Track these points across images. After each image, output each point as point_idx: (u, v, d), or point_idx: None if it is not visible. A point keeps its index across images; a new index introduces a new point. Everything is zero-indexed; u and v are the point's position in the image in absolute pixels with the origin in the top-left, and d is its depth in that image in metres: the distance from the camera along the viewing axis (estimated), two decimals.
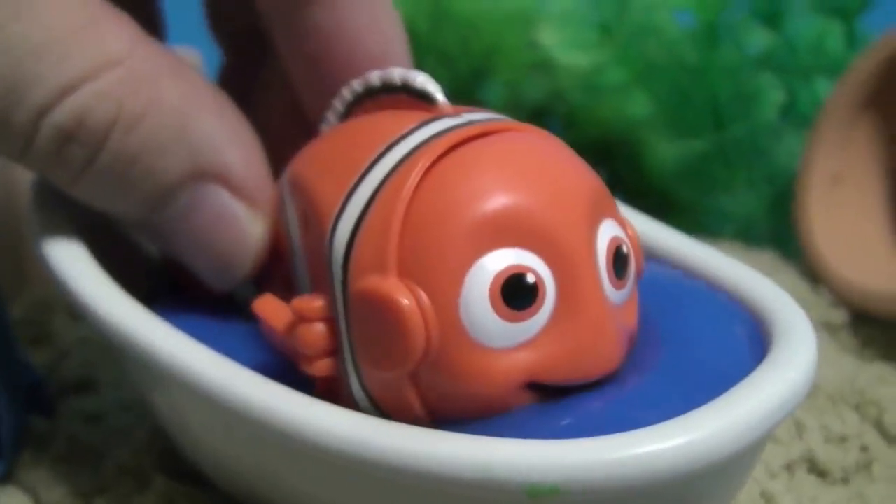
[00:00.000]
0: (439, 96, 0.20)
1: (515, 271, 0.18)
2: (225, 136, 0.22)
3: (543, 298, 0.18)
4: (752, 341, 0.20)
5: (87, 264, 0.23)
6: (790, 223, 0.35)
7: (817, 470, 0.25)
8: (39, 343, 0.33)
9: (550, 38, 0.39)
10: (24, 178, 0.35)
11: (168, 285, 0.26)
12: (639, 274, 0.21)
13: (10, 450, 0.27)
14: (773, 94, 0.37)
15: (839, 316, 0.31)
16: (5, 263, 0.34)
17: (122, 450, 0.26)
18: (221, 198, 0.22)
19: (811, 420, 0.26)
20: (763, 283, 0.22)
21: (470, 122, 0.20)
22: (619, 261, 0.19)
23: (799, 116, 0.38)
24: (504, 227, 0.18)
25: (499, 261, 0.18)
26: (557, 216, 0.18)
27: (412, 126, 0.20)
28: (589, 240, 0.19)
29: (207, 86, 0.23)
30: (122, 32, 0.22)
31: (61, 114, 0.21)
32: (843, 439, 0.26)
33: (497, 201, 0.18)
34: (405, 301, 0.18)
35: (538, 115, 0.40)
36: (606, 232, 0.19)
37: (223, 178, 0.22)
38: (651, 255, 0.23)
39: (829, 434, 0.26)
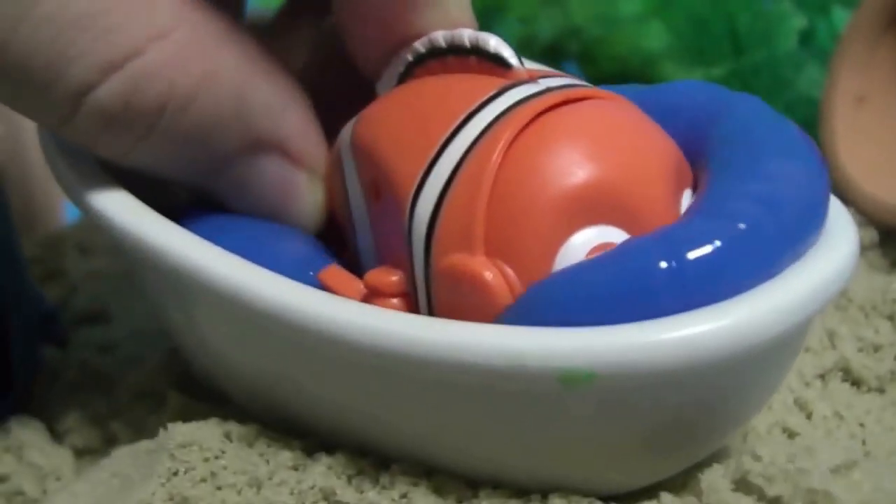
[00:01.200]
0: (514, 61, 0.20)
1: (606, 248, 0.18)
2: (280, 103, 0.21)
3: None
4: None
5: (104, 177, 0.22)
6: None
7: (851, 378, 0.25)
8: (51, 279, 0.32)
9: None
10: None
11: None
12: None
13: (24, 379, 0.26)
14: (792, 21, 0.36)
15: (868, 235, 0.30)
16: (15, 202, 0.34)
17: (135, 375, 0.26)
18: (280, 166, 0.22)
19: (844, 330, 0.25)
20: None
21: (548, 90, 0.19)
22: None
23: (818, 47, 0.37)
24: (592, 203, 0.18)
25: (588, 238, 0.18)
26: (644, 190, 0.18)
27: (490, 94, 0.19)
28: (673, 212, 0.19)
29: (260, 50, 0.22)
30: (167, 1, 0.20)
31: (105, 94, 0.20)
32: (876, 348, 0.25)
33: (583, 178, 0.18)
34: (495, 279, 0.18)
35: (552, 51, 0.40)
36: (688, 203, 0.19)
37: (281, 147, 0.22)
38: None
39: (862, 343, 0.25)
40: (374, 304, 0.19)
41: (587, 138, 0.18)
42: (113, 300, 0.30)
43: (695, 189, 0.19)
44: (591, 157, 0.18)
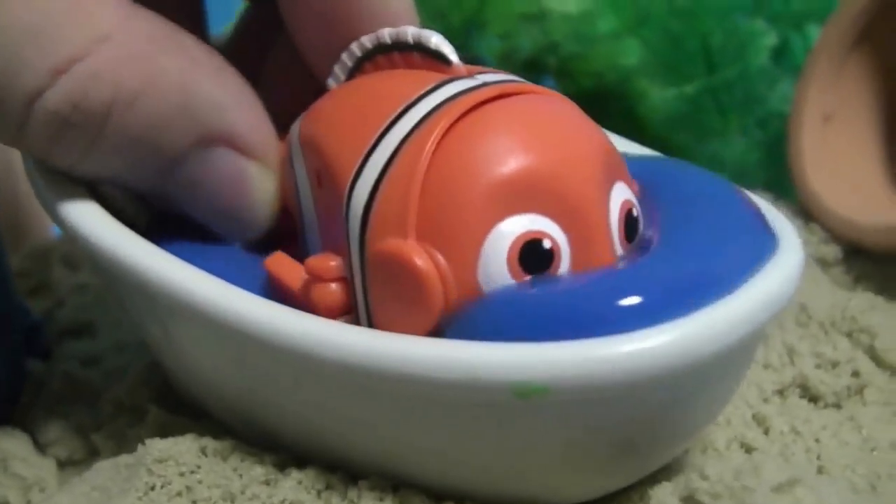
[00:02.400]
0: (454, 57, 0.20)
1: (533, 237, 0.19)
2: (227, 98, 0.22)
3: (559, 263, 0.19)
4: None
5: (83, 197, 0.23)
6: (783, 168, 0.35)
7: (809, 394, 0.25)
8: (37, 293, 0.33)
9: None
10: None
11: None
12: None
13: (9, 393, 0.27)
14: (764, 39, 0.37)
15: (832, 252, 0.31)
16: (2, 216, 0.34)
17: (118, 387, 0.26)
18: (231, 159, 0.22)
19: (803, 346, 0.26)
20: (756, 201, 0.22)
21: (484, 84, 0.20)
22: (630, 223, 0.20)
23: (791, 63, 0.38)
24: (522, 192, 0.18)
25: (516, 226, 0.18)
26: (573, 181, 0.19)
27: (428, 87, 0.20)
28: (603, 203, 0.19)
29: (204, 50, 0.22)
30: (109, 6, 0.21)
31: (54, 98, 0.20)
32: (834, 364, 0.26)
33: (514, 167, 0.18)
34: (424, 264, 0.18)
35: (531, 66, 0.40)
36: (619, 195, 0.20)
37: (230, 140, 0.22)
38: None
39: (821, 360, 0.26)
40: (315, 288, 0.20)
41: (519, 130, 0.19)
42: (98, 313, 0.31)
43: (626, 181, 0.20)
44: (522, 148, 0.19)
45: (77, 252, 0.34)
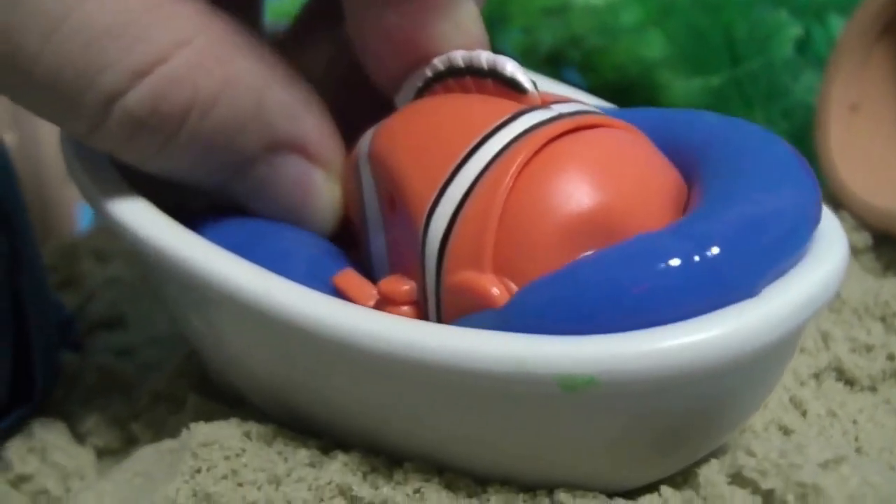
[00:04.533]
0: (529, 86, 0.21)
1: None
2: (298, 105, 0.22)
3: None
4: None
5: (124, 187, 0.23)
6: (809, 158, 0.35)
7: (844, 378, 0.25)
8: (67, 286, 0.33)
9: None
10: (47, 124, 0.35)
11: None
12: None
13: (45, 384, 0.27)
14: (789, 30, 0.37)
15: (862, 239, 0.31)
16: (31, 211, 0.35)
17: (155, 378, 0.27)
18: (299, 165, 0.23)
19: (837, 331, 0.26)
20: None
21: (560, 116, 0.20)
22: None
23: (815, 54, 0.38)
24: (595, 230, 0.19)
25: None
26: (643, 218, 0.19)
27: (505, 118, 0.20)
28: None
29: (277, 57, 0.23)
30: (189, 11, 0.21)
31: (133, 99, 0.21)
32: (868, 349, 0.26)
33: (588, 205, 0.19)
34: (501, 296, 0.19)
35: (554, 60, 0.40)
36: None
37: (299, 147, 0.22)
38: None
39: (855, 344, 0.26)
40: (386, 311, 0.20)
41: (594, 166, 0.19)
42: (129, 306, 0.31)
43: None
44: (597, 185, 0.19)
45: (106, 246, 0.35)
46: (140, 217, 0.22)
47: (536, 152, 0.19)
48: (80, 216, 0.39)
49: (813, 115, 0.35)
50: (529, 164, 0.19)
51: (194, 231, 0.22)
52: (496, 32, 0.41)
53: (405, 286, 0.20)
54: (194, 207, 0.23)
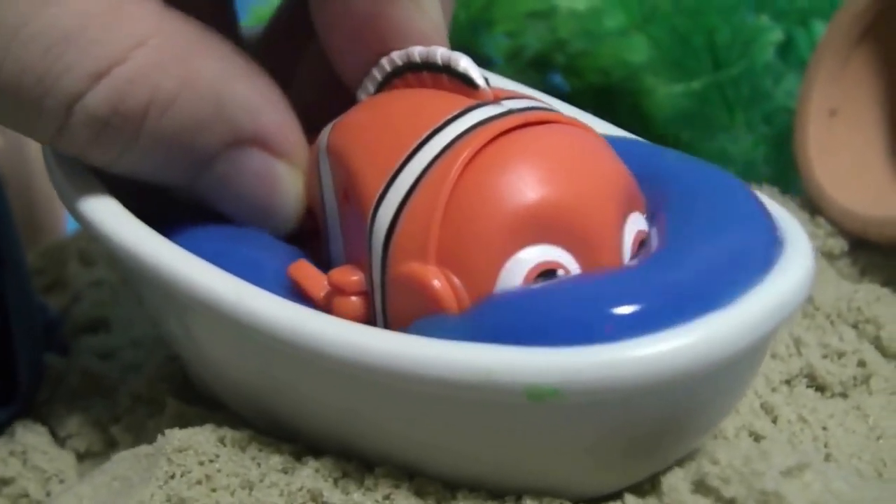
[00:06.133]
0: (481, 82, 0.21)
1: (548, 267, 0.19)
2: (259, 100, 0.23)
3: None
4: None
5: (104, 195, 0.23)
6: (790, 162, 0.36)
7: (816, 384, 0.26)
8: (53, 289, 0.34)
9: None
10: None
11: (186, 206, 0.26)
12: None
13: (28, 387, 0.27)
14: (770, 35, 0.37)
15: (838, 244, 0.32)
16: (17, 214, 0.35)
17: (134, 381, 0.27)
18: (261, 160, 0.23)
19: (810, 337, 0.26)
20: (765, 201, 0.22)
21: (510, 112, 0.20)
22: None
23: (797, 59, 0.38)
24: (539, 224, 0.19)
25: (532, 256, 0.19)
26: (589, 214, 0.19)
27: (454, 113, 0.20)
28: (616, 236, 0.20)
29: (236, 51, 0.23)
30: (146, 11, 0.21)
31: (94, 101, 0.21)
32: (841, 355, 0.26)
33: (532, 200, 0.19)
34: (442, 286, 0.19)
35: (538, 64, 0.41)
36: (633, 226, 0.20)
37: (261, 141, 0.23)
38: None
39: (827, 350, 0.26)
40: (336, 300, 0.21)
41: (541, 161, 0.19)
42: (113, 309, 0.32)
43: (647, 215, 0.20)
44: (543, 179, 0.19)
45: (92, 249, 0.35)
46: (116, 222, 0.22)
47: (483, 147, 0.19)
48: (66, 219, 0.40)
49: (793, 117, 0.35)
50: (476, 159, 0.19)
51: (171, 238, 0.22)
52: (481, 36, 0.41)
53: (354, 276, 0.21)
54: (178, 196, 0.24)
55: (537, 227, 0.19)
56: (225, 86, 0.22)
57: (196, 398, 0.26)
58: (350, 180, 0.21)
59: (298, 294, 0.21)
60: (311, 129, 0.24)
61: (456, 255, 0.19)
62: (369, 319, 0.21)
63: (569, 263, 0.19)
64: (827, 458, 0.23)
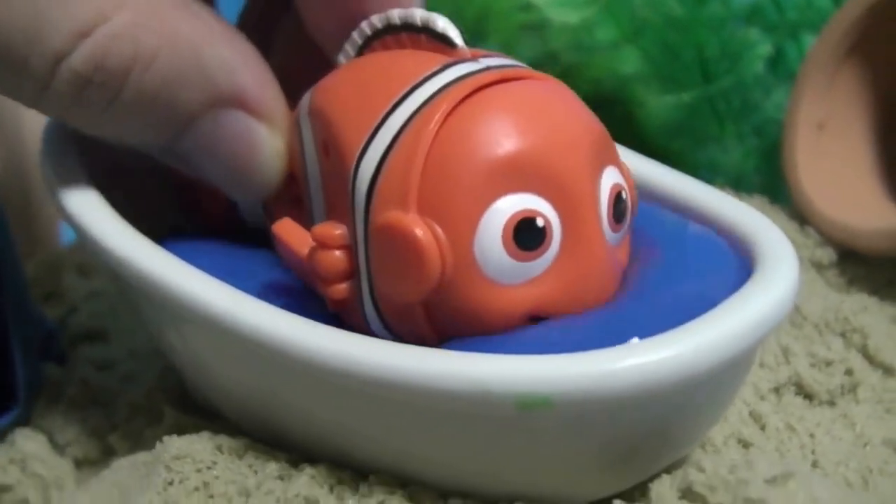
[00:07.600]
0: (459, 41, 0.21)
1: (527, 215, 0.19)
2: (238, 60, 0.23)
3: (550, 240, 0.20)
4: (737, 268, 0.21)
5: (102, 208, 0.23)
6: (779, 174, 0.36)
7: (804, 392, 0.26)
8: (50, 299, 0.34)
9: None
10: (31, 139, 0.35)
11: (182, 219, 0.27)
12: (634, 214, 0.22)
13: (27, 396, 0.28)
14: (759, 48, 0.38)
15: (826, 255, 0.32)
16: (15, 225, 0.35)
17: (133, 391, 0.27)
18: (241, 119, 0.23)
19: (798, 346, 0.27)
20: (748, 211, 0.23)
21: (487, 68, 0.21)
22: (618, 206, 0.21)
23: (786, 71, 0.38)
24: (517, 173, 0.19)
25: (511, 204, 0.19)
26: (567, 163, 0.20)
27: (434, 69, 0.21)
28: (593, 186, 0.20)
29: (214, 16, 0.23)
30: None
31: (78, 58, 0.21)
32: (828, 363, 0.26)
33: (510, 149, 0.19)
34: (423, 234, 0.19)
35: None
36: (609, 179, 0.21)
37: (241, 101, 0.23)
38: (648, 191, 0.24)
39: (815, 359, 0.27)
40: (319, 254, 0.21)
41: (517, 113, 0.20)
42: (111, 320, 0.32)
43: (618, 166, 0.21)
44: (519, 130, 0.20)
45: (89, 259, 0.35)
46: (114, 234, 0.23)
47: (462, 100, 0.20)
48: (63, 230, 0.40)
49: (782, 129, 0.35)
50: (455, 111, 0.20)
51: (167, 249, 0.23)
52: (475, 48, 0.42)
53: (337, 230, 0.21)
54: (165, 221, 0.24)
55: (514, 174, 0.19)
56: (204, 44, 0.22)
57: (193, 408, 0.26)
58: (332, 137, 0.22)
59: (283, 253, 0.22)
60: (289, 98, 0.24)
61: (436, 203, 0.19)
62: (353, 273, 0.21)
63: (547, 212, 0.20)
64: (814, 465, 0.24)
